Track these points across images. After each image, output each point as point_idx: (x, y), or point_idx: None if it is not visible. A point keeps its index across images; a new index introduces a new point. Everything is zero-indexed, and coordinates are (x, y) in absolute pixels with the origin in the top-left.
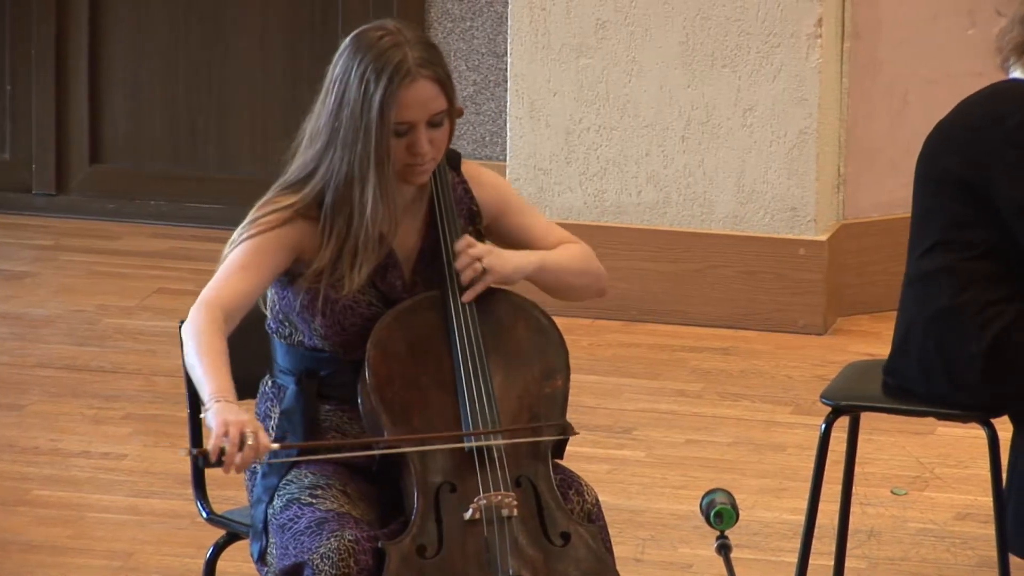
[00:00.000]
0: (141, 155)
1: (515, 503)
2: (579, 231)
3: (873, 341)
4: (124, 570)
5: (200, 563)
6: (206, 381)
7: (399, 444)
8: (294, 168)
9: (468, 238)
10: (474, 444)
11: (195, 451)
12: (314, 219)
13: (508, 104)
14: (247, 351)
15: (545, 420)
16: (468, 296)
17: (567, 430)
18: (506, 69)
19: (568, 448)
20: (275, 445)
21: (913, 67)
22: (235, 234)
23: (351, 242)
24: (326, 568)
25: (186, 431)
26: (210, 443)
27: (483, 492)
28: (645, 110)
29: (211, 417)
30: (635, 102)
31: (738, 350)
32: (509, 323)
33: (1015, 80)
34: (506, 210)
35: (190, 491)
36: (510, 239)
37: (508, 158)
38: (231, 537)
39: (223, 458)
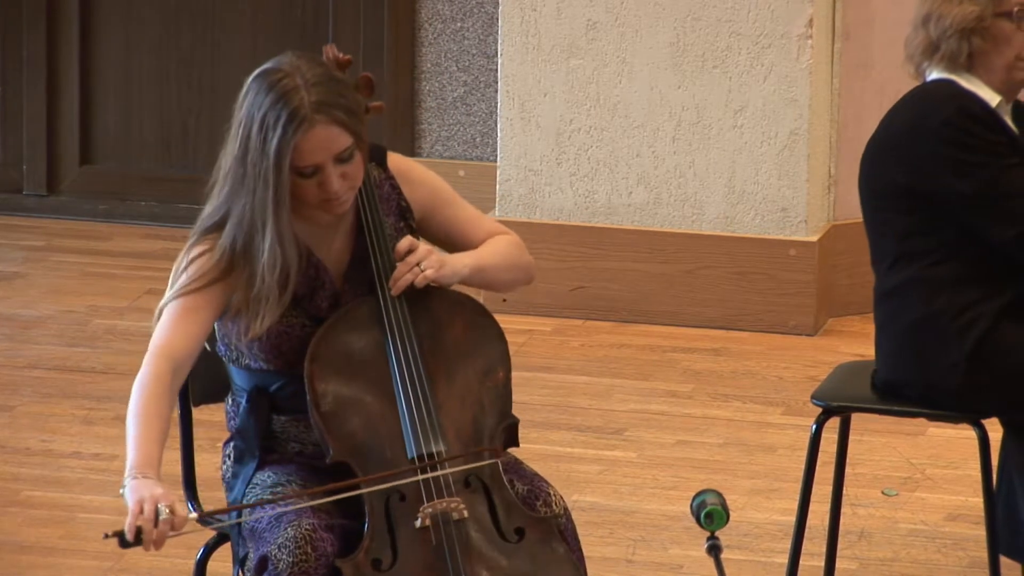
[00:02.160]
0: (132, 156)
1: (463, 506)
2: (570, 232)
3: (864, 342)
4: (115, 571)
5: (191, 564)
6: (130, 453)
7: (325, 493)
8: (211, 209)
9: (411, 239)
10: (428, 475)
11: (111, 533)
12: (235, 262)
13: (499, 105)
14: (215, 368)
15: (489, 417)
16: (396, 290)
17: (497, 452)
18: (497, 70)
19: (559, 448)
20: (192, 515)
21: (904, 68)
22: (171, 289)
23: (255, 290)
24: (284, 557)
25: (176, 432)
26: (126, 523)
27: (427, 500)
28: (636, 111)
29: (127, 495)
30: (626, 103)
31: (729, 351)
32: (445, 322)
33: (931, 81)
34: (437, 205)
35: (180, 492)
36: (441, 233)
37: (498, 159)
38: (221, 538)
39: (141, 536)
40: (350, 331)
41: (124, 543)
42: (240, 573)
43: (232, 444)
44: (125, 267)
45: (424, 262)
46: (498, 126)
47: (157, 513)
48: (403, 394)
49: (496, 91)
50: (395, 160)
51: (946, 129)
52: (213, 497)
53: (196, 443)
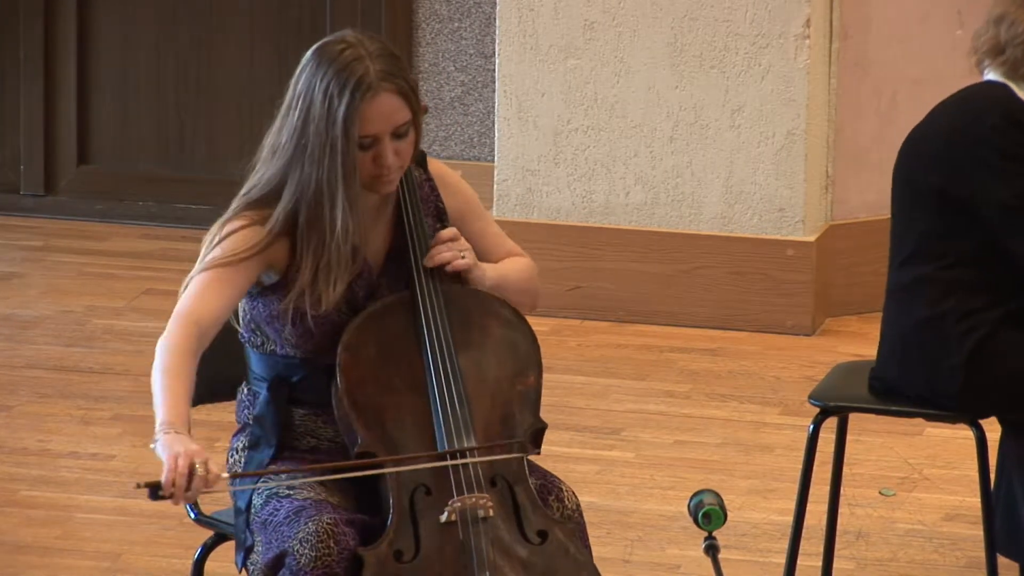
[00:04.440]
0: (129, 156)
1: (490, 504)
2: (567, 232)
3: (861, 342)
4: (112, 571)
5: (188, 564)
6: (160, 409)
7: (361, 467)
8: (259, 183)
9: (454, 230)
10: (452, 461)
11: (143, 484)
12: (287, 236)
13: (496, 105)
14: (225, 354)
15: (519, 418)
16: (430, 263)
17: (526, 447)
18: (494, 70)
19: (557, 448)
20: (225, 475)
21: (902, 68)
22: (203, 261)
23: (325, 259)
24: (306, 551)
25: None
26: (162, 475)
27: (456, 495)
28: (633, 111)
29: (160, 449)
30: (623, 103)
31: (726, 351)
32: (480, 321)
33: (986, 82)
34: (469, 216)
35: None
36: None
37: (496, 159)
38: (219, 538)
39: (173, 490)
40: (385, 323)
41: (156, 495)
42: (244, 564)
43: (248, 432)
44: (123, 267)
45: (465, 251)
46: (496, 126)
47: (192, 469)
48: (436, 389)
49: (494, 91)
50: (435, 164)
51: (990, 134)
52: (209, 497)
53: None
